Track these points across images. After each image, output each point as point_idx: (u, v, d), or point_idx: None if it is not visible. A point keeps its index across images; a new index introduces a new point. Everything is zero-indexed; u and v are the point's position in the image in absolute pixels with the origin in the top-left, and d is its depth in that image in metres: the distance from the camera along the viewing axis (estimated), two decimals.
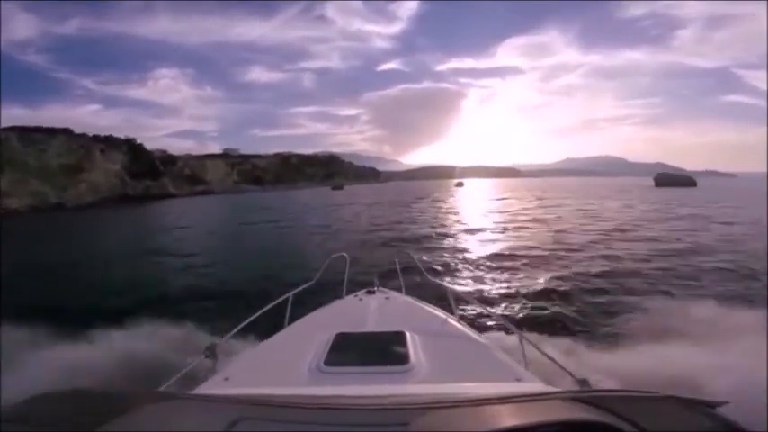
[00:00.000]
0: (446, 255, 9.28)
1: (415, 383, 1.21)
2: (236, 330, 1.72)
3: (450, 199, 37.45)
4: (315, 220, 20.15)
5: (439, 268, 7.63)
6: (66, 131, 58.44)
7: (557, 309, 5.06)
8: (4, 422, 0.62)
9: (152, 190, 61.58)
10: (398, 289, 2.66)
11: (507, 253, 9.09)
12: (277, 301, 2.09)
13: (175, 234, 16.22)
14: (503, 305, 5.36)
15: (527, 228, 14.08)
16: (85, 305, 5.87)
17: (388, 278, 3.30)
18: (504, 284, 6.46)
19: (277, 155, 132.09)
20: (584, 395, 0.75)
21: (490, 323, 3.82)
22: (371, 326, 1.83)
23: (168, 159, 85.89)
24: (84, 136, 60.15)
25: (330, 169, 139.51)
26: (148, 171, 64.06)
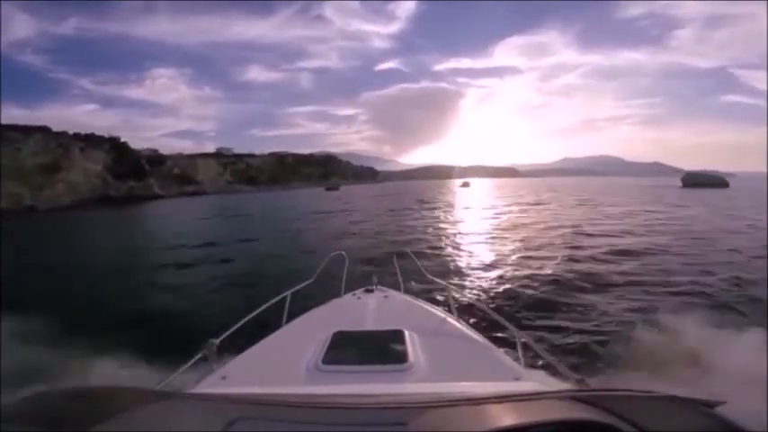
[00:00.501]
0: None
1: (414, 382, 1.21)
2: (233, 329, 1.68)
3: (467, 203, 28.90)
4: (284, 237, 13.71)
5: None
6: (44, 129, 54.89)
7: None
8: (4, 421, 0.62)
9: (136, 191, 57.86)
10: (397, 288, 2.64)
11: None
12: (275, 300, 2.08)
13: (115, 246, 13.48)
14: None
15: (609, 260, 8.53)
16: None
17: (386, 277, 3.07)
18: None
19: (272, 154, 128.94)
20: (583, 395, 0.74)
21: (489, 322, 3.37)
22: (370, 325, 1.81)
23: (157, 159, 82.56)
24: (63, 134, 56.51)
25: (327, 169, 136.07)
26: (133, 171, 60.32)
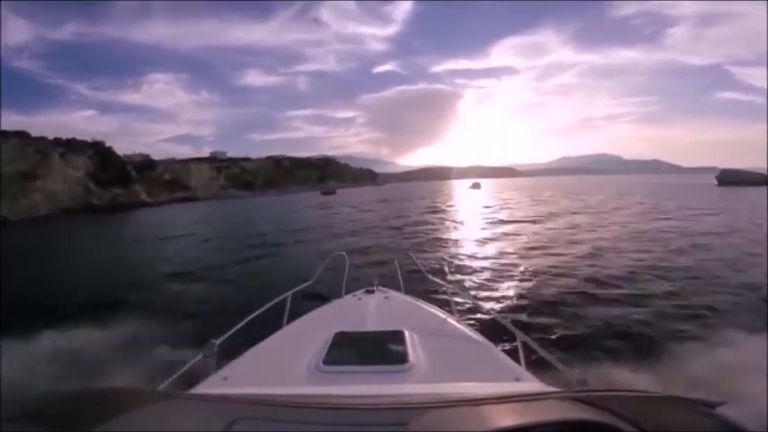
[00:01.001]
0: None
1: (414, 383, 1.20)
2: (235, 330, 1.68)
3: (496, 212, 19.83)
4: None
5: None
6: (22, 134, 51.77)
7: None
8: (5, 422, 0.62)
9: (121, 198, 54.37)
10: (398, 288, 2.63)
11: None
12: (276, 301, 2.08)
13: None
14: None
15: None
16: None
17: (387, 278, 3.08)
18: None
19: (269, 158, 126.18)
20: (584, 395, 0.74)
21: (489, 323, 3.42)
22: (371, 325, 1.80)
23: (147, 164, 79.49)
24: (42, 139, 53.32)
25: (325, 172, 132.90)
26: (118, 177, 56.83)
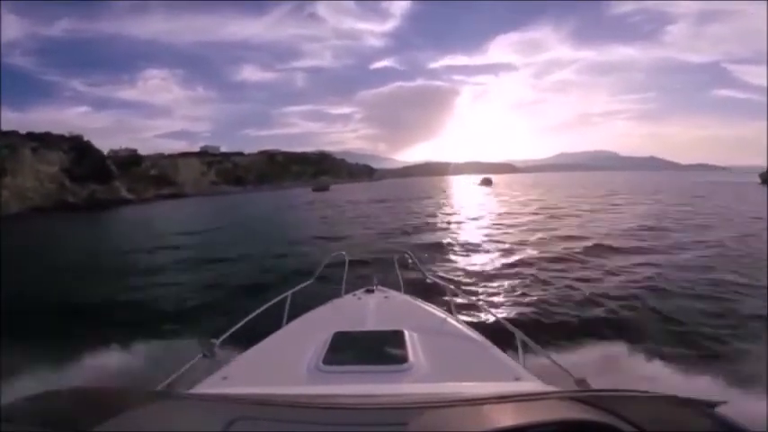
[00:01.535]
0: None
1: (414, 383, 1.20)
2: (234, 329, 1.70)
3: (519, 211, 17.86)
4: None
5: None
6: None
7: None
8: (4, 421, 0.62)
9: (99, 195, 50.86)
10: (398, 288, 2.62)
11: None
12: (275, 300, 2.09)
13: None
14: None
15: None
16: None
17: (387, 277, 3.05)
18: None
19: (262, 152, 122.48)
20: (583, 395, 0.74)
21: (489, 322, 3.39)
22: (370, 325, 1.80)
23: (132, 159, 75.93)
24: (13, 133, 49.46)
25: (320, 167, 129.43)
26: (96, 173, 53.34)
